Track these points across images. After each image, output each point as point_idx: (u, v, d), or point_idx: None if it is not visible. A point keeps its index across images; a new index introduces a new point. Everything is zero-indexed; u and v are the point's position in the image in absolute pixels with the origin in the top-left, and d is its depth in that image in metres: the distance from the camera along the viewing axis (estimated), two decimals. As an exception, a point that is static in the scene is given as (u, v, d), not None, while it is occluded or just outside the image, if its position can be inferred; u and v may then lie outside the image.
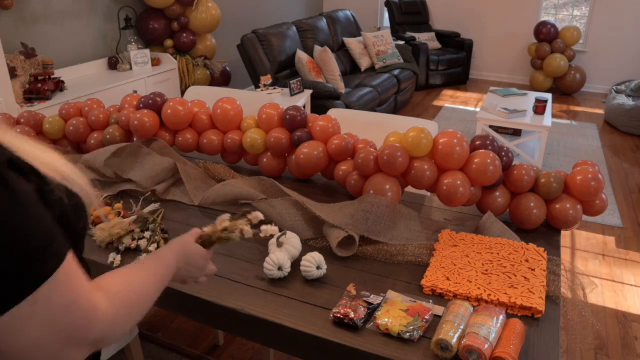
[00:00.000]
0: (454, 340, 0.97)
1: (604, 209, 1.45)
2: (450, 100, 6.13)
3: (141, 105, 1.83)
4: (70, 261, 0.63)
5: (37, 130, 1.89)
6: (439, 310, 1.11)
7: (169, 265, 0.89)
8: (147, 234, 1.31)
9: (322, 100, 4.39)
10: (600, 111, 5.77)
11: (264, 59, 4.56)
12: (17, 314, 0.58)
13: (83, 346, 0.65)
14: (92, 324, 0.65)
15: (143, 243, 1.29)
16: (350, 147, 1.61)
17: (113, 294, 0.70)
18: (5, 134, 0.64)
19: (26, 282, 0.58)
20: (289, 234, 1.29)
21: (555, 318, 1.10)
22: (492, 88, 4.94)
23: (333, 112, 2.09)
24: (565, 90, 6.32)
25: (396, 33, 6.54)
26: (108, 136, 1.84)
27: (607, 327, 2.43)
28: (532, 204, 1.42)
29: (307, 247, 1.36)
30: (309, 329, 1.06)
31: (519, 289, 1.15)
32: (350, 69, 5.62)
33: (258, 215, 1.08)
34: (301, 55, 4.75)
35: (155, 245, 1.27)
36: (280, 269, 1.20)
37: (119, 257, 1.26)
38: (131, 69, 4.06)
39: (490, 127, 4.45)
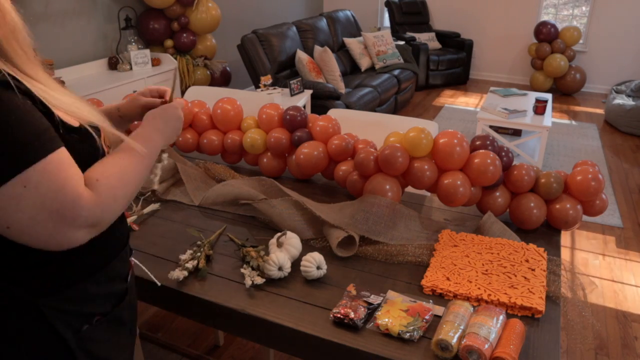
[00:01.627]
0: (454, 340, 0.97)
1: (604, 209, 1.45)
2: (450, 100, 6.13)
3: (141, 105, 1.83)
4: (61, 156, 0.76)
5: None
6: (439, 310, 1.11)
7: (147, 137, 0.97)
8: (189, 252, 1.30)
9: (322, 100, 4.39)
10: (600, 111, 5.77)
11: (264, 59, 4.56)
12: (10, 192, 0.71)
13: (77, 227, 0.77)
14: (78, 207, 0.76)
15: (184, 257, 1.27)
16: (350, 147, 1.61)
17: (94, 182, 0.80)
18: (35, 84, 0.79)
19: (14, 163, 0.71)
20: (289, 234, 1.29)
21: (555, 318, 1.10)
22: (492, 88, 4.94)
23: (333, 112, 2.09)
24: (565, 90, 6.32)
25: (396, 33, 6.54)
26: (108, 136, 1.84)
27: (607, 327, 2.43)
28: (532, 204, 1.42)
29: (307, 247, 1.36)
30: (309, 329, 1.06)
31: (519, 289, 1.15)
32: (350, 69, 5.62)
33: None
34: (301, 55, 4.75)
35: (195, 262, 1.25)
36: (280, 269, 1.20)
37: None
38: (131, 69, 4.06)
39: (490, 127, 4.45)
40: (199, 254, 1.27)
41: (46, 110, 0.78)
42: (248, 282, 1.18)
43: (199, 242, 1.34)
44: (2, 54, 0.77)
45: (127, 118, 1.19)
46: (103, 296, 0.93)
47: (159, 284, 1.20)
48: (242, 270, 1.23)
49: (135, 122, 1.44)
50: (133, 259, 1.12)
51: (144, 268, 1.23)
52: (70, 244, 0.78)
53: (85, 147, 0.85)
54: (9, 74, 0.75)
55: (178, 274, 1.19)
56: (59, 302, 0.85)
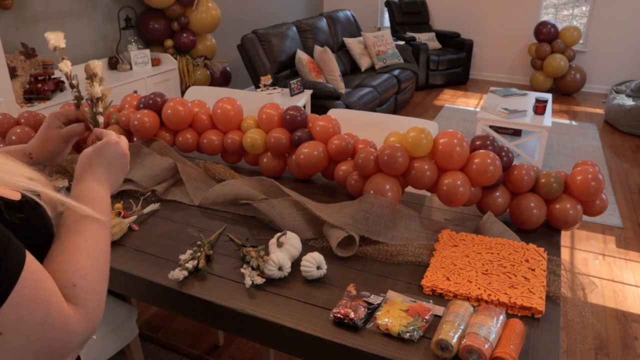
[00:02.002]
0: (454, 340, 0.97)
1: (604, 209, 1.45)
2: (450, 100, 6.13)
3: (141, 105, 1.83)
4: (30, 270, 0.57)
5: (37, 131, 1.89)
6: (439, 310, 1.11)
7: (92, 197, 0.76)
8: (189, 252, 1.29)
9: (322, 100, 4.39)
10: (600, 111, 5.77)
11: (264, 59, 4.56)
12: None
13: (69, 354, 0.62)
14: (70, 334, 0.60)
15: (184, 257, 1.26)
16: (350, 147, 1.61)
17: (75, 290, 0.63)
18: None
19: None
20: (289, 234, 1.29)
21: (555, 318, 1.10)
22: (492, 88, 4.94)
23: (333, 112, 2.09)
24: (565, 90, 6.32)
25: (396, 33, 6.54)
26: (108, 136, 1.84)
27: (607, 327, 2.43)
28: (532, 204, 1.42)
29: (307, 247, 1.36)
30: (309, 329, 1.06)
31: (519, 289, 1.15)
32: (350, 69, 5.62)
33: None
34: (301, 55, 4.75)
35: (195, 262, 1.24)
36: (280, 269, 1.20)
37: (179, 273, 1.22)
38: (131, 69, 4.06)
39: (490, 127, 4.45)
40: (199, 254, 1.27)
41: None
42: (248, 282, 1.18)
43: (199, 242, 1.34)
44: None
45: (44, 163, 0.95)
46: None
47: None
48: (242, 270, 1.23)
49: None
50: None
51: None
52: None
53: (38, 224, 0.65)
54: None
55: (178, 274, 1.19)
56: None
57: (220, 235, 1.41)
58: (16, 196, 0.63)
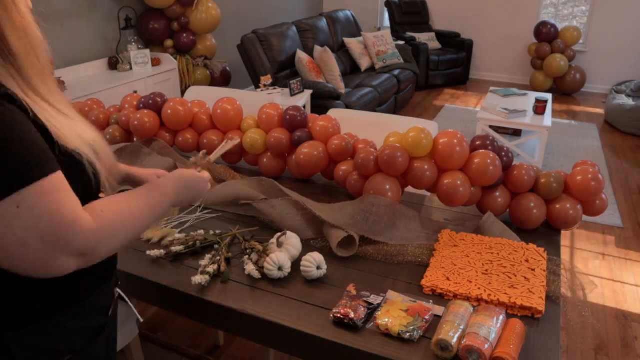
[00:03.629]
0: (454, 340, 0.97)
1: (604, 209, 1.45)
2: (450, 100, 6.13)
3: (141, 105, 1.83)
4: (59, 179, 0.73)
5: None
6: (439, 310, 1.11)
7: (164, 192, 0.93)
8: (208, 257, 1.29)
9: (322, 100, 4.39)
10: (600, 111, 5.77)
11: (264, 59, 4.56)
12: (2, 212, 0.67)
13: (68, 254, 0.73)
14: (73, 233, 0.72)
15: (204, 262, 1.26)
16: (350, 147, 1.61)
17: (98, 213, 0.77)
18: (42, 103, 0.77)
19: (10, 182, 0.68)
20: (289, 234, 1.29)
21: (555, 318, 1.10)
22: (492, 88, 4.94)
23: (333, 112, 2.09)
24: (565, 90, 6.32)
25: (396, 33, 6.54)
26: (108, 136, 1.84)
27: (607, 327, 2.43)
28: (532, 204, 1.42)
29: (307, 247, 1.36)
30: (308, 329, 1.06)
31: (519, 289, 1.15)
32: (350, 69, 5.62)
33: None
34: (301, 55, 4.75)
35: (215, 265, 1.24)
36: (280, 269, 1.20)
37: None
38: (131, 69, 4.05)
39: (490, 127, 4.45)
40: (218, 257, 1.27)
41: (45, 129, 0.76)
42: (249, 268, 1.22)
43: (216, 246, 1.34)
44: (18, 68, 0.74)
45: (134, 183, 1.18)
46: (78, 331, 0.86)
47: (141, 320, 1.17)
48: (245, 259, 1.25)
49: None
50: (118, 290, 1.05)
51: (129, 303, 1.14)
52: (58, 271, 0.73)
53: (77, 172, 0.81)
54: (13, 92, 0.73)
55: (200, 278, 1.19)
56: (28, 336, 0.79)
57: (233, 237, 1.40)
58: (71, 146, 0.79)
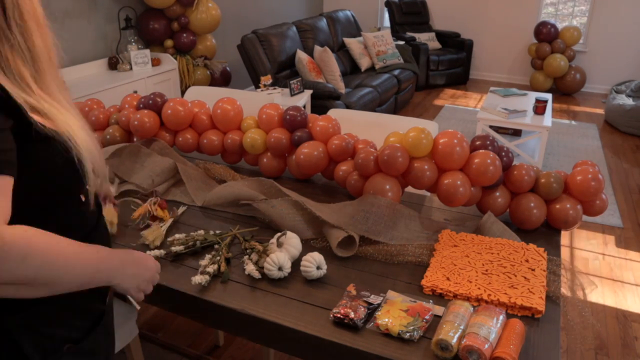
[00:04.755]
0: (454, 340, 0.97)
1: (604, 209, 1.45)
2: (450, 100, 6.13)
3: (141, 106, 1.83)
4: (2, 182, 0.69)
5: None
6: (439, 310, 1.11)
7: (105, 257, 0.85)
8: (208, 257, 1.29)
9: (322, 100, 4.39)
10: (600, 111, 5.77)
11: (264, 59, 4.56)
12: None
13: None
14: None
15: (204, 262, 1.26)
16: (350, 147, 1.61)
17: (20, 231, 0.70)
18: (30, 96, 0.78)
19: None
20: (289, 234, 1.29)
21: (555, 318, 1.10)
22: (492, 88, 4.94)
23: (333, 112, 2.09)
24: (565, 90, 6.32)
25: (396, 33, 6.54)
26: (108, 136, 1.84)
27: (607, 327, 2.43)
28: (532, 204, 1.42)
29: (307, 247, 1.36)
30: (308, 329, 1.06)
31: (519, 289, 1.15)
32: (350, 69, 5.62)
33: None
34: (301, 55, 4.75)
35: (215, 266, 1.24)
36: (280, 269, 1.20)
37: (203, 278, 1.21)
38: (131, 69, 4.05)
39: (490, 127, 4.45)
40: (218, 257, 1.27)
41: (21, 112, 0.75)
42: (248, 268, 1.22)
43: (216, 246, 1.34)
44: (35, 64, 0.79)
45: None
46: (78, 316, 0.87)
47: (137, 307, 1.11)
48: (245, 259, 1.25)
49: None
50: None
51: (130, 300, 1.11)
52: None
53: (48, 154, 0.80)
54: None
55: (200, 278, 1.19)
56: (28, 319, 0.79)
57: (233, 237, 1.40)
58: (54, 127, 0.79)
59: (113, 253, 0.88)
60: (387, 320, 1.06)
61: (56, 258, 0.74)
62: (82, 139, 0.83)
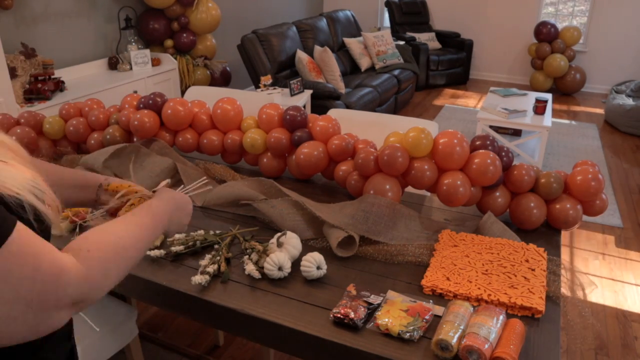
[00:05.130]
0: (454, 340, 0.97)
1: (604, 209, 1.45)
2: (450, 100, 6.13)
3: (141, 105, 1.83)
4: (22, 232, 0.61)
5: (37, 131, 1.89)
6: (439, 310, 1.11)
7: (156, 212, 0.88)
8: (208, 257, 1.28)
9: (322, 100, 4.39)
10: (600, 111, 5.77)
11: (264, 59, 4.56)
12: None
13: (61, 308, 0.65)
14: (62, 286, 0.63)
15: (204, 262, 1.25)
16: (350, 147, 1.61)
17: (84, 254, 0.68)
18: None
19: None
20: (289, 234, 1.29)
21: (555, 318, 1.10)
22: (492, 88, 4.94)
23: (333, 112, 2.09)
24: (565, 90, 6.32)
25: (396, 33, 6.55)
26: (108, 136, 1.84)
27: (607, 327, 2.43)
28: (532, 204, 1.42)
29: (307, 247, 1.36)
30: (308, 329, 1.06)
31: (519, 289, 1.15)
32: (350, 69, 5.62)
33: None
34: (301, 55, 4.75)
35: (215, 265, 1.24)
36: (280, 269, 1.20)
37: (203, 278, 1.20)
38: (131, 69, 4.06)
39: (490, 127, 4.45)
40: (218, 257, 1.27)
41: None
42: (249, 268, 1.22)
43: (216, 246, 1.34)
44: None
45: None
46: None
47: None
48: (245, 259, 1.25)
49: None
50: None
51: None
52: (53, 328, 0.65)
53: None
54: None
55: (200, 278, 1.19)
56: None
57: (233, 237, 1.40)
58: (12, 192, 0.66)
59: (162, 210, 0.90)
60: (387, 320, 1.06)
61: (127, 254, 0.76)
62: (29, 194, 0.68)
